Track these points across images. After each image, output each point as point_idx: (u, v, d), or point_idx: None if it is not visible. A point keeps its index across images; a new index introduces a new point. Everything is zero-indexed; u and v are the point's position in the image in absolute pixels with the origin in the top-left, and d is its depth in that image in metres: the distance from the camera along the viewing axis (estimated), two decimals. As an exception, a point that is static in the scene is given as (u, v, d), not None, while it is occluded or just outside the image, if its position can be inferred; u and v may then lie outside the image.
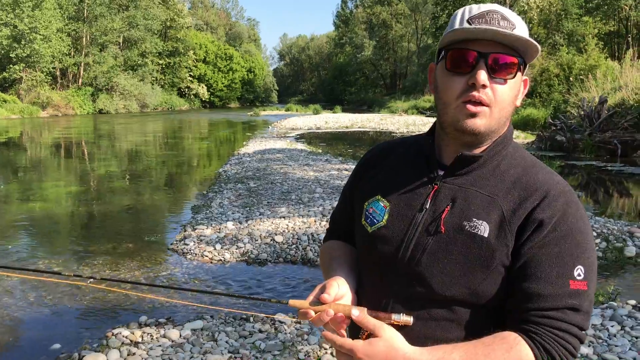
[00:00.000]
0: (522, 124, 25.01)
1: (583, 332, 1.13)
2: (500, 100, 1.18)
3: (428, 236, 1.20)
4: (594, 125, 16.40)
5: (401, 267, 1.22)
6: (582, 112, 17.22)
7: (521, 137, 21.39)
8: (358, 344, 1.11)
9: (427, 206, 1.23)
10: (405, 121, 33.11)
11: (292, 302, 1.20)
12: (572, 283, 1.11)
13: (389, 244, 1.25)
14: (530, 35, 1.20)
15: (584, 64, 25.36)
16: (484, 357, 1.08)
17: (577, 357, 1.14)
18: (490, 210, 1.17)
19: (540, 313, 1.11)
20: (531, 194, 1.17)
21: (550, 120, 19.35)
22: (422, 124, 30.85)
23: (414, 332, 1.16)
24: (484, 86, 1.15)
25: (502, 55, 1.17)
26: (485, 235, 1.15)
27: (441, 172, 1.26)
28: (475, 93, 1.16)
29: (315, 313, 1.17)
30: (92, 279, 1.64)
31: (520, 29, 1.17)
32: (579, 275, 1.11)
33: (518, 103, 1.24)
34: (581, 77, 23.42)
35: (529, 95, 28.65)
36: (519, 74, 1.19)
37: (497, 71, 1.17)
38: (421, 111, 43.15)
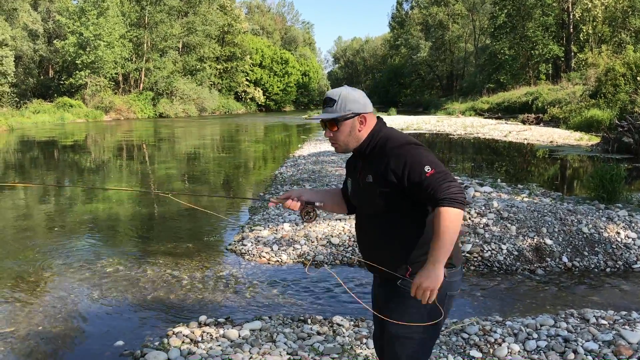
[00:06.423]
0: (585, 125, 24.03)
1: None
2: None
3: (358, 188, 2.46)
4: (664, 126, 15.64)
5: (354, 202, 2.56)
6: (651, 113, 16.45)
7: (584, 139, 20.62)
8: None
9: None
10: (462, 123, 32.38)
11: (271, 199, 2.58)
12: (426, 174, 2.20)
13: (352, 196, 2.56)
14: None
15: (653, 62, 24.23)
16: (443, 237, 2.13)
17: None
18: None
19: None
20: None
21: (617, 122, 18.56)
22: (480, 125, 30.14)
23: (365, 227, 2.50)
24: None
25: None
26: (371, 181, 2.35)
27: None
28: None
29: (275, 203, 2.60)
30: (172, 192, 3.16)
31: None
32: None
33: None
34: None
35: (593, 96, 27.61)
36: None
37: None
38: (479, 112, 42.19)
